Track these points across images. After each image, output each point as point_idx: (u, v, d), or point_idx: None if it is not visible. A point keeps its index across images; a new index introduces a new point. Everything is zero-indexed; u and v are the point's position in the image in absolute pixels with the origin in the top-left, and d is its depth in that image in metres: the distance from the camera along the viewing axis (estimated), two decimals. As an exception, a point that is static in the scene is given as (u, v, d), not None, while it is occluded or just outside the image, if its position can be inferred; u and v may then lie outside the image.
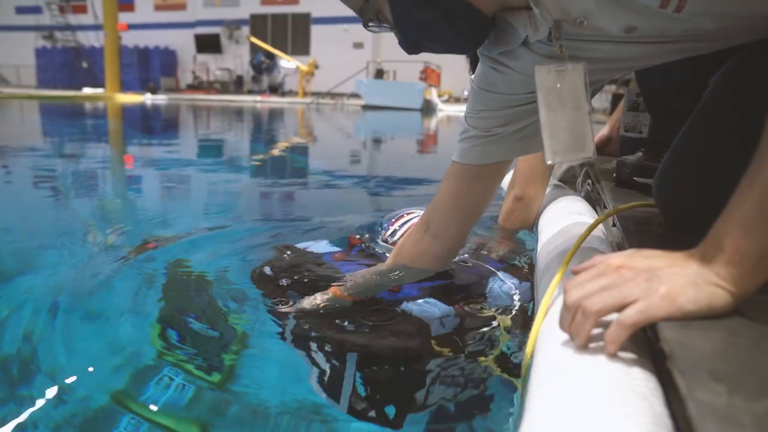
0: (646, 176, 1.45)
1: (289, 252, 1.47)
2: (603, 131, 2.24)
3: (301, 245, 1.53)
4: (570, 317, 0.57)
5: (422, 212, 1.42)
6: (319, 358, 0.97)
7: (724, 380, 0.42)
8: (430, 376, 0.92)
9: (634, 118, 1.79)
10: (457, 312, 1.11)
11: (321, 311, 1.12)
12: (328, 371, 0.94)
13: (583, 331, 0.55)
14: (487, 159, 1.03)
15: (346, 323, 1.07)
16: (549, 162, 0.85)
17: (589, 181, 1.74)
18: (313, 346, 1.00)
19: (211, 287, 1.28)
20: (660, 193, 0.99)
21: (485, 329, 1.05)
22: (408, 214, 1.56)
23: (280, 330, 1.07)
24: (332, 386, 0.90)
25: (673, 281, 0.54)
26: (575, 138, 0.86)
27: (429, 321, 1.08)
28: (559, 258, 0.91)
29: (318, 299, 1.16)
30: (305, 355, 0.98)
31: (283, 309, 1.13)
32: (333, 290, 1.18)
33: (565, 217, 1.35)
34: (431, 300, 1.15)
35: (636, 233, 0.93)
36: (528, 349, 0.70)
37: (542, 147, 0.84)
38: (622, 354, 0.53)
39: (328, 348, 1.00)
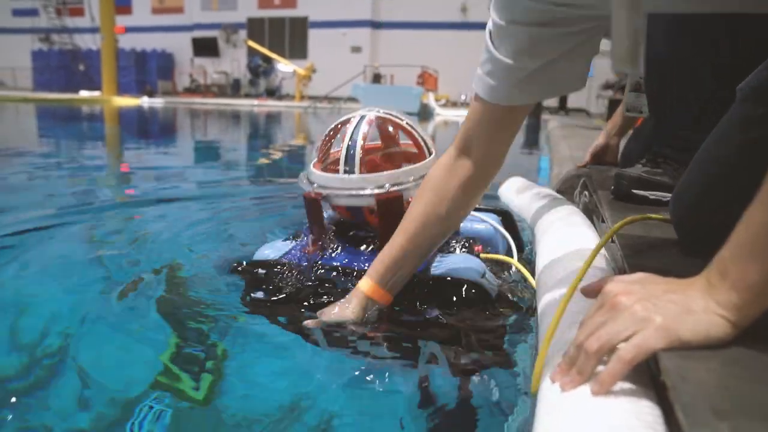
0: (645, 189, 1.45)
1: (257, 269, 1.31)
2: (599, 140, 2.24)
3: (257, 256, 1.35)
4: (576, 356, 0.57)
5: (358, 114, 1.35)
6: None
7: (726, 417, 0.42)
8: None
9: (636, 99, 1.84)
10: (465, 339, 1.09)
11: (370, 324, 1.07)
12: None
13: (585, 371, 0.55)
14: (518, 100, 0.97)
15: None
16: (613, 70, 0.83)
17: (587, 192, 1.74)
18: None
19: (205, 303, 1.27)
20: (676, 209, 0.99)
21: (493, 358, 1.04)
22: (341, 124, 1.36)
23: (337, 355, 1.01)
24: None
25: (669, 310, 0.54)
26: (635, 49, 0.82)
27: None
28: (560, 285, 0.90)
29: (353, 309, 1.06)
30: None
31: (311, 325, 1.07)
32: (367, 290, 1.07)
33: (565, 233, 1.34)
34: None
35: (634, 251, 0.93)
36: (536, 373, 0.69)
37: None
38: (627, 382, 0.53)
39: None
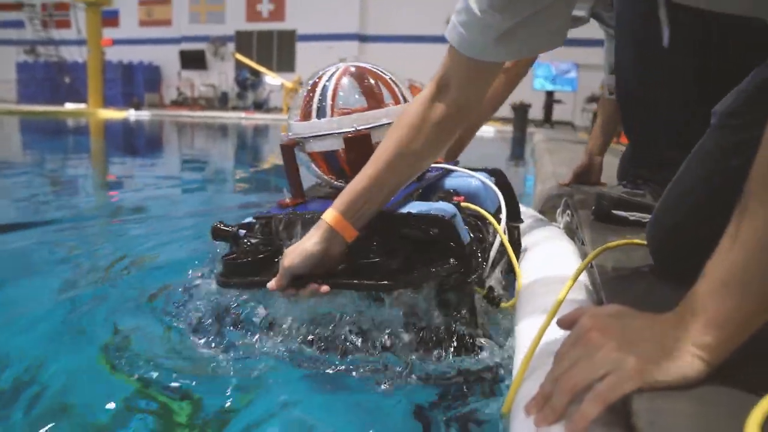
0: (626, 209, 1.45)
1: (238, 230, 1.28)
2: (582, 159, 2.25)
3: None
4: (550, 391, 0.57)
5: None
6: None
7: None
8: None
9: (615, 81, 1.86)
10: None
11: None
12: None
13: (558, 408, 0.55)
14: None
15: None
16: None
17: (569, 212, 1.74)
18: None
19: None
20: (652, 236, 0.99)
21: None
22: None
23: None
24: None
25: (644, 350, 0.53)
26: None
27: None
28: (537, 311, 0.90)
29: (314, 242, 1.02)
30: None
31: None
32: (331, 220, 1.02)
33: (548, 255, 1.34)
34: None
35: (611, 277, 0.93)
36: (509, 398, 0.69)
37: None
38: (599, 423, 0.52)
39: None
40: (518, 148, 7.76)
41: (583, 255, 1.31)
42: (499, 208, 1.42)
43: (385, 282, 1.03)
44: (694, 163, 0.93)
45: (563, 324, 0.63)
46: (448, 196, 1.32)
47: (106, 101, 16.14)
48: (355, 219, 1.03)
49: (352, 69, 1.35)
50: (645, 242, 1.03)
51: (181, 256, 1.78)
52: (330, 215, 1.03)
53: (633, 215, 1.43)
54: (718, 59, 1.32)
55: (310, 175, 1.38)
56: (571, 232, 1.64)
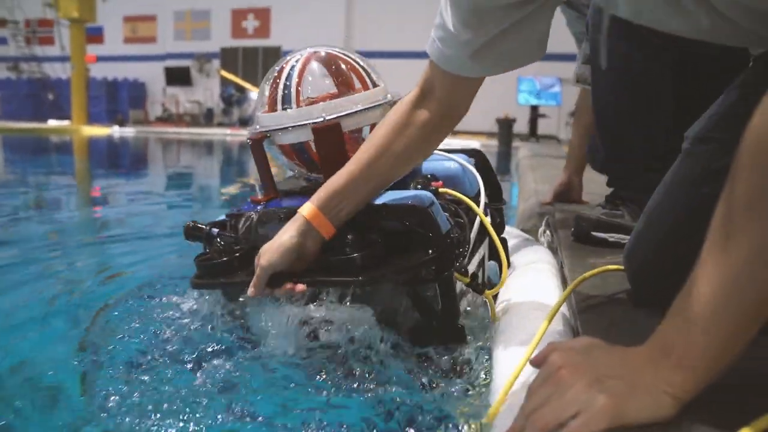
0: (604, 231, 1.46)
1: (211, 228, 1.24)
2: (561, 179, 2.27)
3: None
4: (522, 428, 0.56)
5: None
6: None
7: None
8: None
9: (588, 71, 1.82)
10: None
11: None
12: None
13: None
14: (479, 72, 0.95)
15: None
16: None
17: (549, 231, 1.75)
18: None
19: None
20: (628, 263, 0.99)
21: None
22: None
23: None
24: None
25: (614, 389, 0.53)
26: None
27: None
28: (514, 346, 0.89)
29: (290, 235, 1.00)
30: None
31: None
32: (308, 214, 1.01)
33: (530, 280, 1.33)
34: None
35: (589, 305, 0.93)
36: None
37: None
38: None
39: None
40: (503, 163, 7.81)
41: (563, 278, 1.31)
42: (480, 191, 1.37)
43: (360, 278, 0.99)
44: (665, 189, 0.94)
45: (535, 362, 0.63)
46: (425, 182, 1.27)
47: (91, 118, 16.01)
48: (332, 215, 1.01)
49: (318, 54, 1.28)
50: (622, 267, 1.03)
51: (162, 273, 1.76)
52: (307, 209, 1.01)
53: (612, 236, 1.44)
54: (694, 82, 1.34)
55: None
56: (552, 251, 1.64)
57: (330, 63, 1.27)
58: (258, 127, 1.27)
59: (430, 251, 1.03)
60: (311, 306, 1.08)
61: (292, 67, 1.26)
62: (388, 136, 1.02)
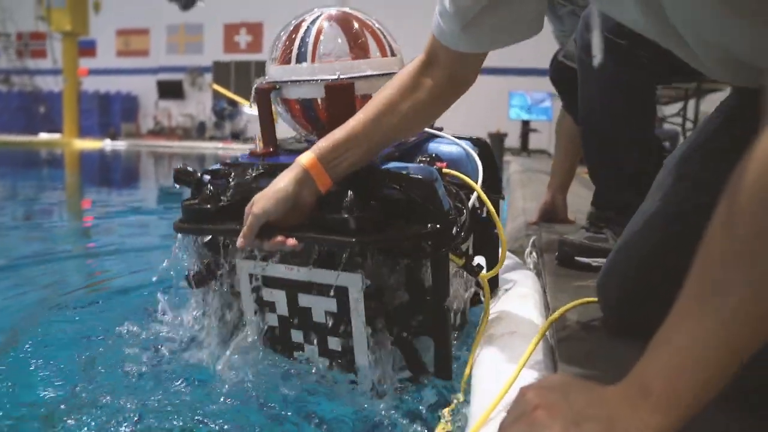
0: (587, 256, 1.47)
1: (202, 175, 1.20)
2: (546, 198, 2.28)
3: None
4: None
5: None
6: None
7: None
8: None
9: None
10: None
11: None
12: None
13: None
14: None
15: None
16: None
17: (535, 253, 1.75)
18: None
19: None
20: (602, 294, 0.99)
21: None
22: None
23: None
24: None
25: (590, 431, 0.53)
26: None
27: None
28: (491, 383, 0.88)
29: (287, 183, 0.96)
30: None
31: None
32: (306, 162, 0.98)
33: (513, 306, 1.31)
34: None
35: (568, 335, 0.93)
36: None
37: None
38: None
39: None
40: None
41: (546, 305, 1.31)
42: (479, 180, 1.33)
43: (357, 239, 0.95)
44: (640, 222, 0.94)
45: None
46: (431, 160, 1.24)
47: (83, 131, 15.96)
48: (331, 167, 0.99)
49: (339, 14, 1.26)
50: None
51: (152, 287, 1.75)
52: (306, 158, 0.98)
53: (596, 261, 1.45)
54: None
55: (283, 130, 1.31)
56: (538, 272, 1.64)
57: (350, 25, 1.25)
58: (267, 78, 1.25)
59: (429, 225, 1.00)
60: (295, 268, 1.05)
61: (312, 22, 1.24)
62: (395, 95, 1.01)
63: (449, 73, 1.01)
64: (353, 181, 1.02)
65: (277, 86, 1.23)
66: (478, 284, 1.17)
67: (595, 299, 1.04)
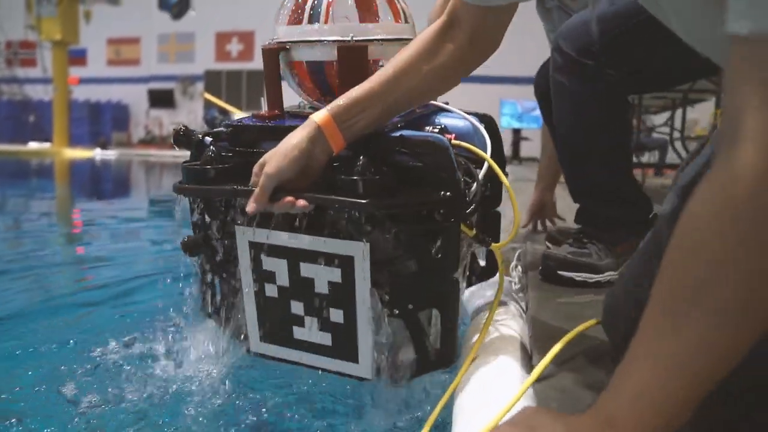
0: (571, 270, 1.47)
1: (204, 136, 1.17)
2: (534, 197, 2.29)
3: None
4: None
5: None
6: None
7: None
8: None
9: None
10: None
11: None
12: None
13: None
14: None
15: None
16: None
17: (520, 267, 1.75)
18: None
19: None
20: (609, 333, 0.96)
21: None
22: None
23: None
24: None
25: None
26: None
27: None
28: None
29: (300, 140, 0.91)
30: None
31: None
32: (320, 120, 0.93)
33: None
34: None
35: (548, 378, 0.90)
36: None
37: None
38: None
39: None
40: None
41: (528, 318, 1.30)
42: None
43: (368, 201, 0.91)
44: (639, 262, 0.90)
45: None
46: (441, 131, 1.19)
47: (73, 140, 15.88)
48: (345, 126, 0.95)
49: None
50: (584, 328, 1.00)
51: (144, 299, 1.74)
52: (320, 115, 0.94)
53: (579, 276, 1.45)
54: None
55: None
56: (524, 287, 1.64)
57: None
58: (276, 38, 1.21)
59: (442, 193, 0.97)
60: (297, 235, 1.00)
61: None
62: (415, 57, 0.97)
63: (471, 35, 0.96)
64: (364, 145, 0.98)
65: (288, 46, 1.18)
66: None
67: (575, 332, 1.00)
